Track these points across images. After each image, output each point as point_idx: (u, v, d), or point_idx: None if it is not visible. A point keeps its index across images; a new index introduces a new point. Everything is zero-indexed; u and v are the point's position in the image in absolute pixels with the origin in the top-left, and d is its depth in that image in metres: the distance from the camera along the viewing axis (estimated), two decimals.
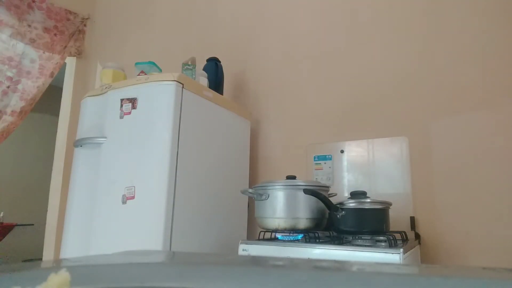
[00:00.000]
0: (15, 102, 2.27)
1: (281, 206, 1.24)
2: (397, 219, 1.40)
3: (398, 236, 1.20)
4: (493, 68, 1.42)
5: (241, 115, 1.74)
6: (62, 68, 2.55)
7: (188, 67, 1.55)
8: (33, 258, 3.90)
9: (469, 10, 1.50)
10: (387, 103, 1.61)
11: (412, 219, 1.43)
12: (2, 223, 3.61)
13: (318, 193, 1.18)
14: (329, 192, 1.34)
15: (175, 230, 1.23)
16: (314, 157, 1.70)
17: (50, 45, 2.41)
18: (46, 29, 2.39)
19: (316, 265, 0.37)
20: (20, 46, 2.29)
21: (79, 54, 2.62)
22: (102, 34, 2.74)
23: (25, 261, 3.85)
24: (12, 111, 2.26)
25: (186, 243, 1.28)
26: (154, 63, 1.57)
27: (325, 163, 1.67)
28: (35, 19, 2.35)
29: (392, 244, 1.04)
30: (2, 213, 3.67)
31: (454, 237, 1.38)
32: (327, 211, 1.23)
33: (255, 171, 1.88)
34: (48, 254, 2.34)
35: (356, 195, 1.22)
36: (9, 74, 2.24)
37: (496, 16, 1.45)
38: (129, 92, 1.36)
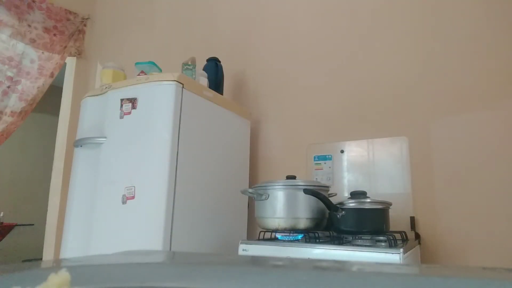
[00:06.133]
0: (15, 103, 2.27)
1: (281, 206, 1.24)
2: (397, 219, 1.40)
3: (398, 236, 1.21)
4: (493, 68, 1.42)
5: (241, 115, 1.74)
6: (62, 68, 2.55)
7: (188, 67, 1.55)
8: (33, 258, 3.90)
9: (469, 10, 1.50)
10: (387, 103, 1.61)
11: (412, 219, 1.43)
12: (2, 223, 3.61)
13: (318, 193, 1.18)
14: (329, 192, 1.34)
15: (175, 230, 1.23)
16: (314, 157, 1.70)
17: (50, 45, 2.41)
18: (46, 29, 2.39)
19: (316, 265, 0.37)
20: (20, 46, 2.29)
21: (79, 54, 2.62)
22: (102, 34, 2.74)
23: (25, 261, 3.85)
24: (12, 112, 2.26)
25: (186, 243, 1.28)
26: (154, 63, 1.56)
27: (325, 163, 1.67)
28: (35, 19, 2.35)
29: (392, 244, 1.04)
30: (2, 213, 3.67)
31: (454, 237, 1.38)
32: (327, 211, 1.23)
33: (255, 171, 1.88)
34: (48, 254, 2.34)
35: (356, 195, 1.22)
36: (9, 74, 2.24)
37: (496, 16, 1.45)
38: (129, 92, 1.36)
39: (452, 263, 1.36)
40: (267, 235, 1.33)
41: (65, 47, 2.51)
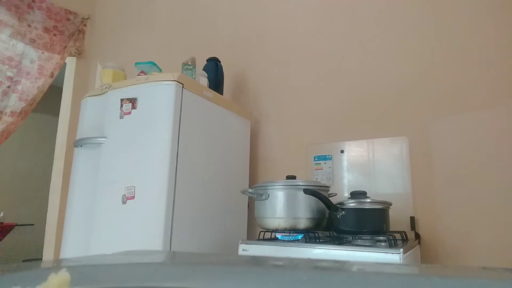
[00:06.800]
0: (15, 103, 2.27)
1: (281, 206, 1.24)
2: (397, 219, 1.40)
3: (398, 236, 1.21)
4: (493, 68, 1.42)
5: (241, 115, 1.74)
6: (62, 68, 2.55)
7: (188, 67, 1.55)
8: (33, 258, 3.90)
9: (469, 10, 1.50)
10: (387, 103, 1.61)
11: (412, 219, 1.43)
12: (2, 223, 3.61)
13: (318, 193, 1.18)
14: (329, 192, 1.34)
15: (175, 230, 1.23)
16: (314, 157, 1.70)
17: (50, 45, 2.41)
18: (46, 29, 2.39)
19: (316, 265, 0.37)
20: (20, 46, 2.29)
21: (79, 54, 2.62)
22: (102, 34, 2.74)
23: (25, 261, 3.85)
24: (12, 112, 2.26)
25: (186, 243, 1.28)
26: (154, 63, 1.56)
27: (325, 163, 1.67)
28: (35, 19, 2.35)
29: (392, 244, 1.04)
30: (2, 213, 3.67)
31: (454, 237, 1.38)
32: (327, 211, 1.23)
33: (255, 171, 1.88)
34: (48, 254, 2.34)
35: (356, 195, 1.22)
36: (9, 74, 2.24)
37: (496, 17, 1.45)
38: (129, 92, 1.36)
39: (452, 263, 1.36)
40: (267, 235, 1.33)
41: (65, 47, 2.50)
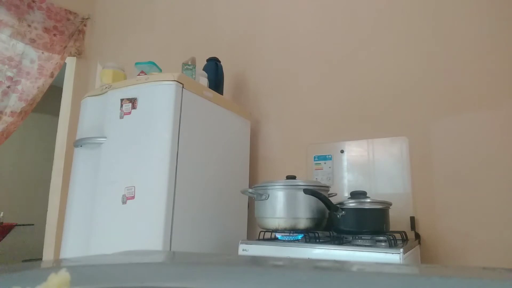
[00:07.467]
0: (15, 103, 2.27)
1: (281, 206, 1.24)
2: (397, 219, 1.40)
3: (398, 236, 1.21)
4: (493, 68, 1.42)
5: (241, 115, 1.74)
6: (62, 68, 2.55)
7: (188, 67, 1.55)
8: (33, 258, 3.90)
9: (469, 10, 1.50)
10: (387, 103, 1.61)
11: (412, 219, 1.43)
12: (2, 223, 3.61)
13: (318, 193, 1.18)
14: (329, 192, 1.34)
15: (175, 230, 1.23)
16: (314, 157, 1.70)
17: (50, 45, 2.41)
18: (46, 29, 2.39)
19: (316, 265, 0.37)
20: (20, 46, 2.29)
21: (79, 54, 2.62)
22: (102, 34, 2.74)
23: (25, 261, 3.85)
24: (12, 112, 2.26)
25: (186, 243, 1.28)
26: (154, 63, 1.56)
27: (325, 163, 1.67)
28: (35, 19, 2.35)
29: (392, 244, 1.04)
30: (2, 213, 3.66)
31: (454, 237, 1.38)
32: (327, 211, 1.23)
33: (255, 171, 1.88)
34: (48, 254, 2.34)
35: (356, 195, 1.22)
36: (9, 74, 2.24)
37: (496, 16, 1.45)
38: (129, 92, 1.36)
39: (452, 263, 1.36)
40: (267, 235, 1.33)
41: (65, 47, 2.50)
